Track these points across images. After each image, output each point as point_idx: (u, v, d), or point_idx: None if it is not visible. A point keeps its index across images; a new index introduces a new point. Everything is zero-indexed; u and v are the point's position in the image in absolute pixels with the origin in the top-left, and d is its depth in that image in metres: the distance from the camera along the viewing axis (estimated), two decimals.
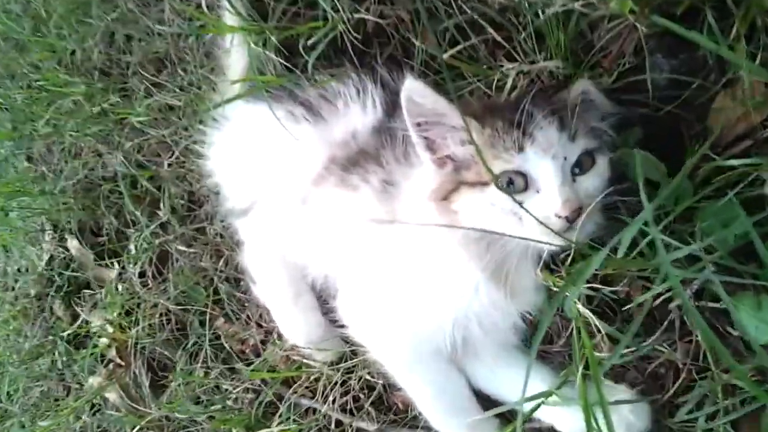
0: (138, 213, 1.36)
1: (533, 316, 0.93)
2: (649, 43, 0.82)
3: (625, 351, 0.79)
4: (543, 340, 0.96)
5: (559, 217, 0.74)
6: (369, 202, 0.94)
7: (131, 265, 1.38)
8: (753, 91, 0.77)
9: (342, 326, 1.03)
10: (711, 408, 0.78)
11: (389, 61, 1.10)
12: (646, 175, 0.82)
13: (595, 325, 0.77)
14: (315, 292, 1.12)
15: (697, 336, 0.82)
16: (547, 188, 0.75)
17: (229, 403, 1.21)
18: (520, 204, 0.74)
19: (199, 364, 1.27)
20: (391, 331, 0.95)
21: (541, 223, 0.74)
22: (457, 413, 0.93)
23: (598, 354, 0.78)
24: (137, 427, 1.30)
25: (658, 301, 0.83)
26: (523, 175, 0.77)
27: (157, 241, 1.34)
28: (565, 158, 0.76)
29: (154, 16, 1.39)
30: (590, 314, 0.76)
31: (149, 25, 1.40)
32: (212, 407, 1.22)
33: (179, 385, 1.28)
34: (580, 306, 0.76)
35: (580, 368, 0.69)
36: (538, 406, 0.74)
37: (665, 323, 0.84)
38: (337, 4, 1.01)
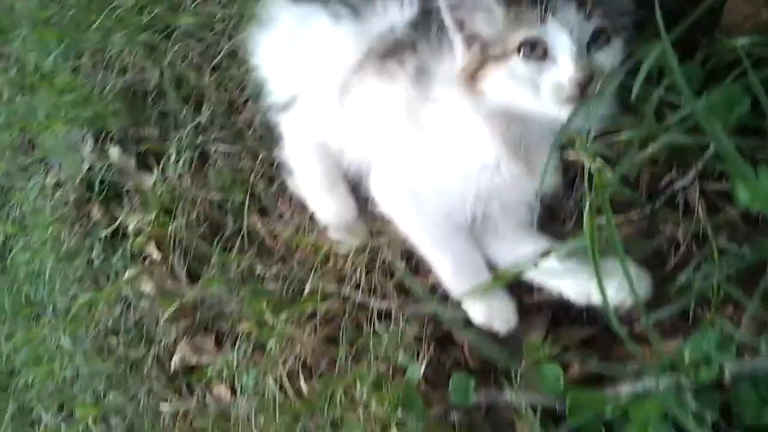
0: (184, 109, 1.47)
1: (549, 197, 1.05)
2: None
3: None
4: (554, 222, 1.08)
5: (572, 83, 0.84)
6: (404, 86, 1.06)
7: (172, 162, 1.49)
8: None
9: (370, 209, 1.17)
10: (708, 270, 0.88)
11: None
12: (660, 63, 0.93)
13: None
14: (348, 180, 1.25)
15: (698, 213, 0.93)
16: (562, 56, 0.85)
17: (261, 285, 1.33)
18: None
19: (234, 254, 1.39)
20: (418, 204, 1.07)
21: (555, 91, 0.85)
22: (473, 276, 1.05)
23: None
24: (172, 309, 1.42)
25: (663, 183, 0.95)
26: (543, 46, 0.87)
27: (198, 139, 1.46)
28: (581, 33, 0.86)
29: None
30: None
31: None
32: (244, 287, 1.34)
33: (214, 271, 1.40)
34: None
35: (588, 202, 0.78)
36: (547, 253, 0.84)
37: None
38: None
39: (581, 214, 1.05)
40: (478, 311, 1.05)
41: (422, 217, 1.07)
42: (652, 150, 0.93)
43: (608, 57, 0.89)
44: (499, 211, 1.04)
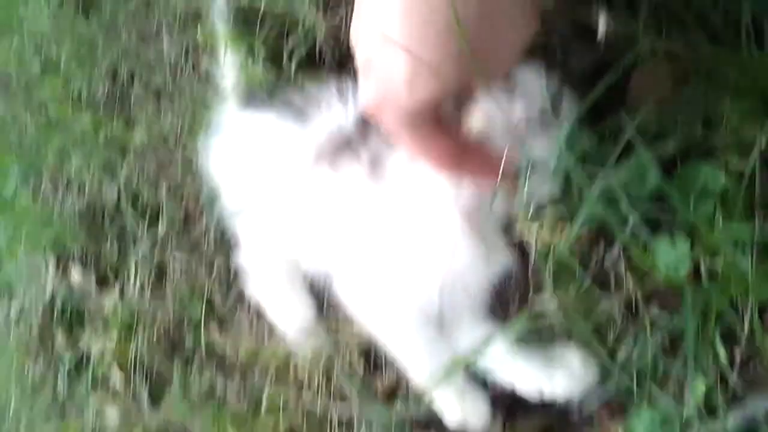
0: (139, 224, 1.60)
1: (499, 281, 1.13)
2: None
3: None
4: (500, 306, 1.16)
5: None
6: (359, 177, 1.12)
7: (131, 280, 1.61)
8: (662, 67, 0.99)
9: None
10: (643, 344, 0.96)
11: None
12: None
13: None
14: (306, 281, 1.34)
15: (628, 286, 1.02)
16: None
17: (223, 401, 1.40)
18: None
19: (196, 368, 1.47)
20: (384, 301, 1.13)
21: None
22: (449, 380, 1.10)
23: None
24: None
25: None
26: None
27: (155, 254, 1.57)
28: None
29: (154, 49, 1.68)
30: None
31: (149, 60, 1.68)
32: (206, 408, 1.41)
33: (176, 393, 1.48)
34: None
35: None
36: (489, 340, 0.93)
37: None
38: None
39: (523, 296, 1.15)
40: (452, 410, 1.11)
41: (390, 314, 1.13)
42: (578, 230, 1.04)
43: None
44: (460, 298, 1.11)
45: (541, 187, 0.99)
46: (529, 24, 0.77)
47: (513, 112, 0.94)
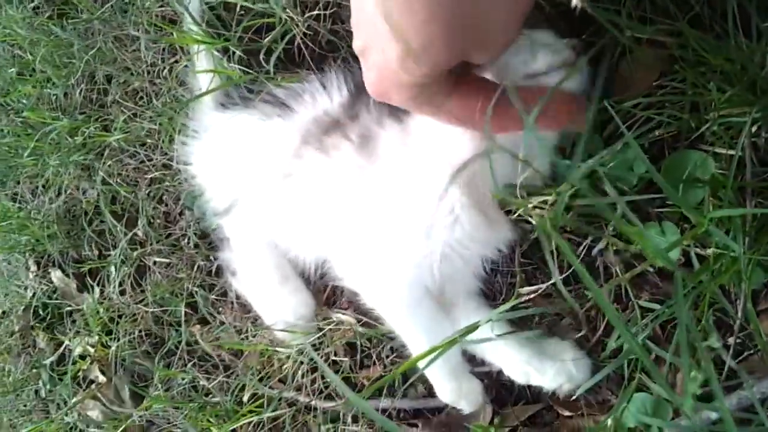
0: (117, 226, 1.47)
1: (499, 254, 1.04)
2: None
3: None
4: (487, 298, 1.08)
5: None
6: (350, 155, 1.03)
7: (111, 279, 1.48)
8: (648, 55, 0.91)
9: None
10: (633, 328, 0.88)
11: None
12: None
13: None
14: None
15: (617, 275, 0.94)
16: None
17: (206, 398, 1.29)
18: None
19: (178, 368, 1.36)
20: (384, 275, 1.03)
21: None
22: (447, 358, 0.97)
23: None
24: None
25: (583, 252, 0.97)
26: None
27: (135, 254, 1.45)
28: None
29: (131, 53, 1.55)
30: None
31: (127, 63, 1.55)
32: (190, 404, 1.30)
33: (158, 390, 1.37)
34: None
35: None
36: (474, 328, 0.83)
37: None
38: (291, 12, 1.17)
39: (510, 288, 1.06)
40: (446, 390, 1.03)
41: (392, 287, 1.03)
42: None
43: None
44: (462, 269, 1.01)
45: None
46: None
47: (534, 64, 0.86)
